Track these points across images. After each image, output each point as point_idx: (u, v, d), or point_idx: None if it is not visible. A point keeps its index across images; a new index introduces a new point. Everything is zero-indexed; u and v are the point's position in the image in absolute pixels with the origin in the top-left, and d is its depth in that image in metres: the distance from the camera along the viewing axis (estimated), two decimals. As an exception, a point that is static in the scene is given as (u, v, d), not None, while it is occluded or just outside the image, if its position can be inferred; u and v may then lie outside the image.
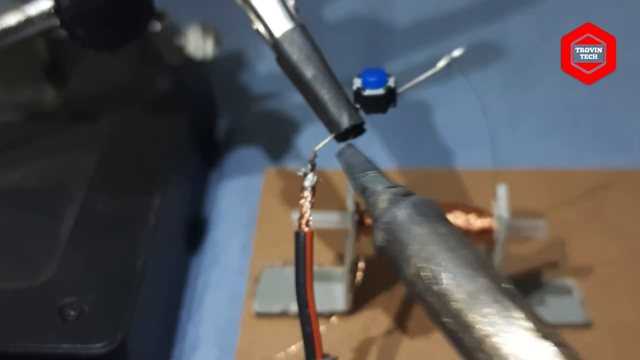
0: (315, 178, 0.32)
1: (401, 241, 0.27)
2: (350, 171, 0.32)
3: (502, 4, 0.63)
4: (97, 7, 0.37)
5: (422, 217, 0.27)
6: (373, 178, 0.30)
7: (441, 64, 0.34)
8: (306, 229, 0.31)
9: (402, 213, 0.27)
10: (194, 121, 0.49)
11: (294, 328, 0.40)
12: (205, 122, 0.53)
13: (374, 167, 0.31)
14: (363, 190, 0.30)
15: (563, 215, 0.46)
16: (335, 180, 0.46)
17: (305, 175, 0.32)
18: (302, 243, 0.31)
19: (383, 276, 0.42)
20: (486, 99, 0.39)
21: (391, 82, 0.33)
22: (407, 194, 0.29)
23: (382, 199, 0.29)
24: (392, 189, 0.29)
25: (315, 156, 0.33)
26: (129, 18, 0.39)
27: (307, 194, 0.32)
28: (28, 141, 0.45)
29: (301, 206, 0.32)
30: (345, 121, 0.33)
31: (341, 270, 0.42)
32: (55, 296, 0.36)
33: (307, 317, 0.31)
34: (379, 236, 0.28)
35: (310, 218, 0.31)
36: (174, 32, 0.49)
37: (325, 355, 0.31)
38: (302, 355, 0.32)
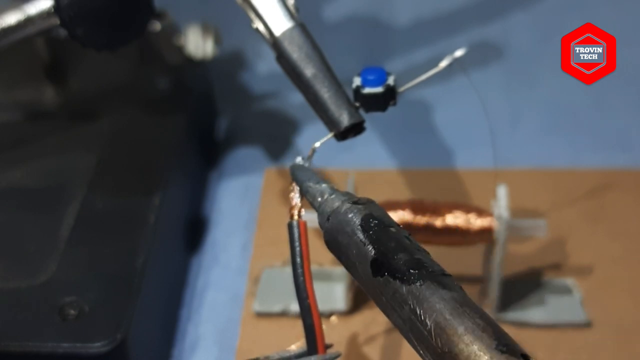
0: None
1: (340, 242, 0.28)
2: (302, 179, 0.32)
3: (502, 3, 0.63)
4: (96, 7, 0.37)
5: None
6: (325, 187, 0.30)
7: (443, 64, 0.34)
8: (298, 219, 0.31)
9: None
10: (194, 121, 0.49)
11: (294, 328, 0.40)
12: (205, 121, 0.53)
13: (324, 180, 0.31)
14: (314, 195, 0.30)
15: (563, 215, 0.46)
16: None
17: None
18: (296, 234, 0.30)
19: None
20: (486, 98, 0.39)
21: (391, 81, 0.33)
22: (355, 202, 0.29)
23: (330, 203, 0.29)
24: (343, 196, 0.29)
25: (313, 152, 0.33)
26: (128, 17, 0.39)
27: (297, 187, 0.32)
28: (28, 141, 0.45)
29: (291, 199, 0.31)
30: (345, 119, 0.33)
31: (341, 270, 0.42)
32: (55, 295, 0.36)
33: (307, 309, 0.30)
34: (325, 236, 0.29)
35: (302, 209, 0.31)
36: (173, 31, 0.49)
37: (328, 346, 0.30)
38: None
